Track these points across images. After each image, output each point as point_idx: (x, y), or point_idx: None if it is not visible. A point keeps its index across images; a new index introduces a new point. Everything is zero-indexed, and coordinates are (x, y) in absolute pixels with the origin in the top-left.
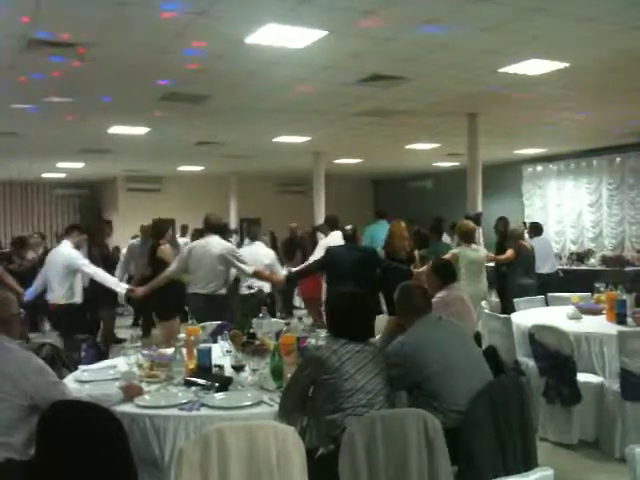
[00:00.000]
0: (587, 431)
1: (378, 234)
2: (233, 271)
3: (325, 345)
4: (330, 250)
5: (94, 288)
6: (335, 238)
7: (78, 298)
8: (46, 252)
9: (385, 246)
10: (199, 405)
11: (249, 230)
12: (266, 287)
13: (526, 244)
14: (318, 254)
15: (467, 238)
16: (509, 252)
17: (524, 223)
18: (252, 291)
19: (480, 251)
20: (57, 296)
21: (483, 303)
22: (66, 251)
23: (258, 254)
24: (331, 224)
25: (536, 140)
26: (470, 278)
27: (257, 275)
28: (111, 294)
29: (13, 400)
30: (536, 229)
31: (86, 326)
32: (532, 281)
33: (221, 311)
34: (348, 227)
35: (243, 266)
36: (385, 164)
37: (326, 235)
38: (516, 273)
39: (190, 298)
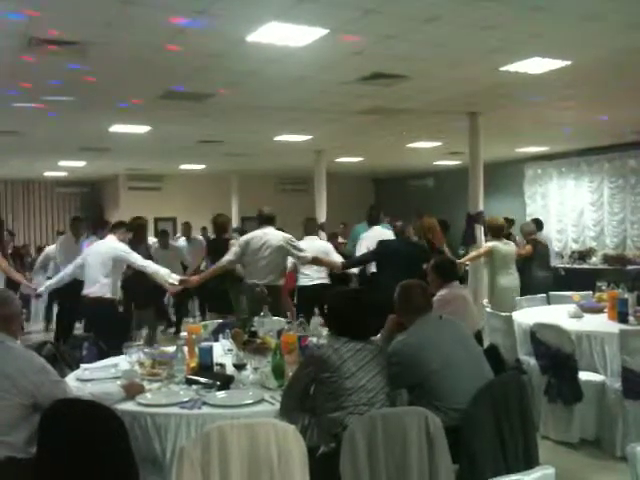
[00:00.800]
0: (588, 430)
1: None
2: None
3: (326, 344)
4: (384, 242)
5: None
6: (375, 232)
7: (118, 294)
8: (40, 250)
9: (427, 242)
10: (200, 403)
11: (306, 227)
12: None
13: (541, 239)
14: (361, 248)
15: (498, 233)
16: (527, 247)
17: (534, 220)
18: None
19: (511, 245)
20: (99, 290)
21: (484, 301)
22: (114, 244)
23: (314, 245)
24: (371, 220)
25: (538, 139)
26: (504, 270)
27: (316, 261)
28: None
29: (14, 399)
30: (537, 224)
31: (123, 325)
32: (549, 275)
33: (277, 302)
34: (399, 223)
35: (302, 253)
36: (386, 163)
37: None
38: (533, 268)
39: (247, 289)
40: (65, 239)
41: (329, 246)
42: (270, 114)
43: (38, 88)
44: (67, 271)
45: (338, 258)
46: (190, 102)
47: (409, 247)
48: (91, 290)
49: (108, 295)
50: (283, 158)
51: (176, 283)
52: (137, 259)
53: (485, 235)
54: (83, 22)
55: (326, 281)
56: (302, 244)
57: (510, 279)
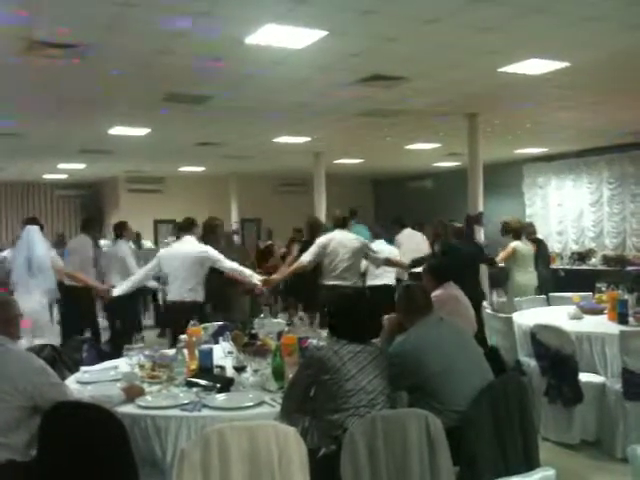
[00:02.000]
0: (589, 431)
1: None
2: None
3: (326, 345)
4: (453, 245)
5: None
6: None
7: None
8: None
9: None
10: (200, 406)
11: (374, 232)
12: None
13: (541, 239)
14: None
15: (518, 234)
16: (533, 247)
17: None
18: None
19: (529, 244)
20: (194, 295)
21: (485, 303)
22: (200, 246)
23: (382, 249)
24: (399, 222)
25: (536, 140)
26: (525, 269)
27: (388, 263)
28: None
29: (14, 401)
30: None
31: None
32: (549, 274)
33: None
34: (459, 224)
35: (376, 255)
36: (385, 164)
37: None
38: (538, 266)
39: (326, 289)
40: (81, 241)
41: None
42: (269, 116)
43: (38, 90)
44: (139, 276)
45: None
46: (190, 104)
47: (471, 247)
48: (185, 295)
49: (200, 299)
50: (282, 160)
51: (259, 283)
52: (225, 260)
53: (503, 236)
54: (83, 25)
55: (392, 282)
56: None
57: (530, 277)
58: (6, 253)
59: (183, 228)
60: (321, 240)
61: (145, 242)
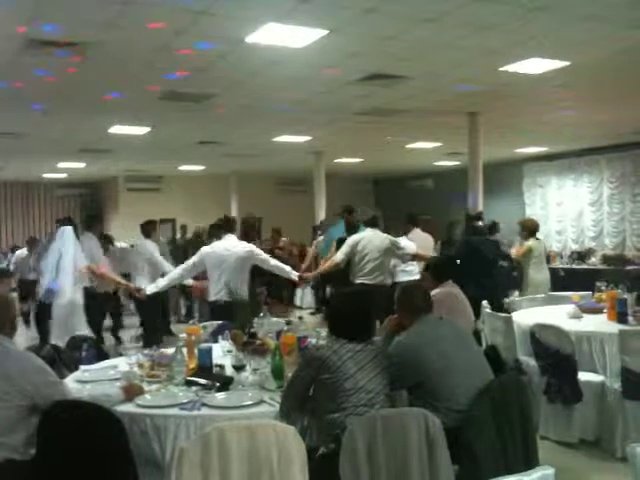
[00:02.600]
0: (588, 430)
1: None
2: None
3: (326, 344)
4: (471, 242)
5: None
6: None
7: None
8: None
9: None
10: (200, 405)
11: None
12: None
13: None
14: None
15: (533, 232)
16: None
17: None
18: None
19: (542, 243)
20: (243, 294)
21: (484, 302)
22: (245, 245)
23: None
24: (412, 220)
25: (537, 139)
26: (539, 266)
27: (415, 258)
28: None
29: (13, 400)
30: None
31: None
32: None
33: (384, 301)
34: (480, 223)
35: (403, 251)
36: (385, 163)
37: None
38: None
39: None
40: (86, 240)
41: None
42: (269, 115)
43: (37, 89)
44: (175, 275)
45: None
46: (190, 103)
47: (490, 244)
48: (217, 296)
49: (245, 298)
50: (282, 159)
51: (296, 279)
52: (269, 258)
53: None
54: (82, 23)
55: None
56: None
57: (544, 274)
58: (19, 252)
59: (224, 226)
60: (353, 238)
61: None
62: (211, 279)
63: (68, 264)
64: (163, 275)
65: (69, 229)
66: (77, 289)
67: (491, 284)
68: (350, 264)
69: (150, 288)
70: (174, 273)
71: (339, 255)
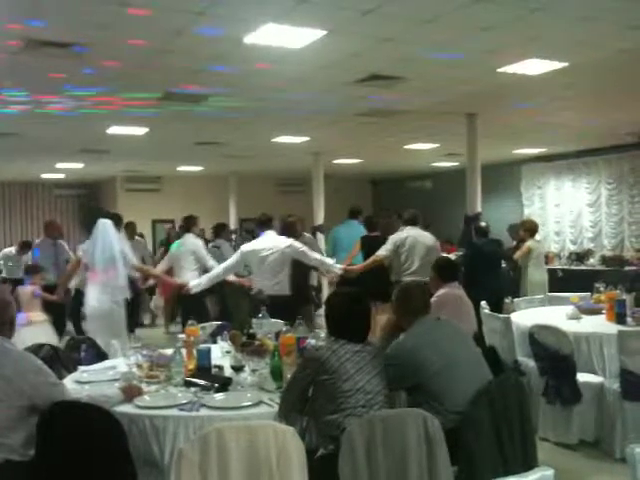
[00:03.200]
0: (587, 431)
1: (349, 236)
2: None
3: (324, 345)
4: (476, 244)
5: None
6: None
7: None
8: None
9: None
10: (199, 405)
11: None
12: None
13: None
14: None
15: (534, 233)
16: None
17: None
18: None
19: (542, 243)
20: (285, 288)
21: (483, 303)
22: (289, 241)
23: None
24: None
25: (535, 140)
26: (539, 266)
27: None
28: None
29: (11, 401)
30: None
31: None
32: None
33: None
34: (483, 223)
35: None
36: (384, 164)
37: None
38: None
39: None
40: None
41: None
42: (268, 116)
43: (35, 90)
44: (219, 271)
45: None
46: (188, 104)
47: (495, 246)
48: (277, 288)
49: (287, 293)
50: (281, 160)
51: (339, 272)
52: (309, 252)
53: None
54: (80, 24)
55: None
56: None
57: (544, 274)
58: (6, 250)
59: (263, 223)
60: (397, 237)
61: None
62: (254, 275)
63: (109, 258)
64: (206, 271)
65: (108, 222)
66: (119, 288)
67: (495, 285)
68: (393, 262)
69: (194, 285)
70: (215, 271)
71: (382, 252)
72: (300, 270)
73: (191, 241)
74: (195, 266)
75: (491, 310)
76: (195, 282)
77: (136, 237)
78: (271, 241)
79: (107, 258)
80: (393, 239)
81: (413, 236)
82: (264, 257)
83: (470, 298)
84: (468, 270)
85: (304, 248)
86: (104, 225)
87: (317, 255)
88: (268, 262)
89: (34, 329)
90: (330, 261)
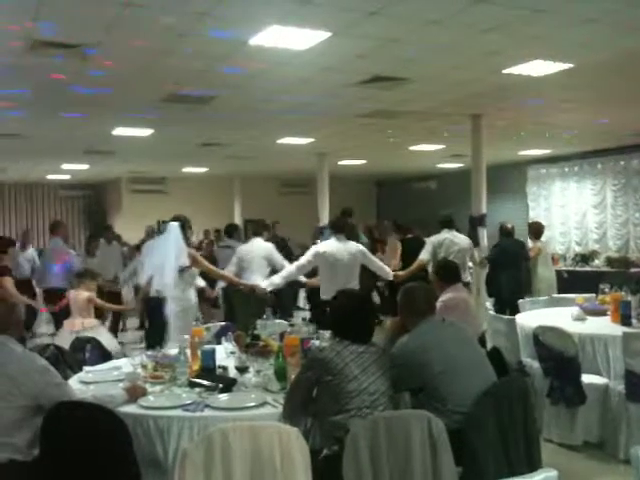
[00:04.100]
0: (591, 432)
1: None
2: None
3: (329, 346)
4: (501, 244)
5: None
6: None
7: None
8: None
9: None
10: (203, 406)
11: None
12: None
13: None
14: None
15: (540, 234)
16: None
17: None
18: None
19: (545, 244)
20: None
21: (487, 304)
22: (355, 245)
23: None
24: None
25: (540, 141)
26: (548, 266)
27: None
28: None
29: (16, 400)
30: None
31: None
32: None
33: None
34: (509, 225)
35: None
36: (389, 165)
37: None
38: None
39: None
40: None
41: None
42: (273, 117)
43: (40, 91)
44: (293, 270)
45: None
46: (193, 105)
47: (518, 246)
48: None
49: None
50: (286, 161)
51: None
52: (375, 258)
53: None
54: (85, 25)
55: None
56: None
57: (552, 272)
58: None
59: (336, 227)
60: (435, 239)
61: None
62: (323, 278)
63: (174, 261)
64: (275, 272)
65: (175, 225)
66: (186, 291)
67: (516, 284)
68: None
69: (266, 285)
70: (289, 270)
71: (424, 255)
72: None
73: (262, 245)
74: (267, 269)
75: (510, 306)
76: (266, 282)
77: (114, 242)
78: (344, 245)
79: (169, 262)
80: (431, 242)
81: (449, 238)
82: (337, 260)
83: (492, 294)
84: (492, 268)
85: (371, 254)
86: (170, 228)
87: (380, 262)
88: (341, 266)
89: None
90: (388, 268)
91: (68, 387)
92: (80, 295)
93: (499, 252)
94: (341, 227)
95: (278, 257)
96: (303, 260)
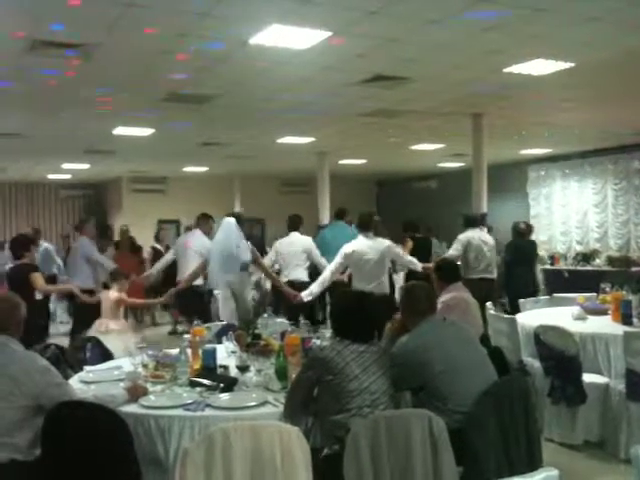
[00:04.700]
0: (592, 431)
1: (336, 239)
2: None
3: (329, 346)
4: (515, 243)
5: None
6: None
7: None
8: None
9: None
10: (204, 405)
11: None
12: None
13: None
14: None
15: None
16: None
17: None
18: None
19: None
20: (379, 287)
21: (488, 304)
22: (383, 242)
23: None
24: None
25: (541, 140)
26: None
27: None
28: None
29: (17, 401)
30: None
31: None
32: None
33: (491, 295)
34: (522, 225)
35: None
36: (389, 165)
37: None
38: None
39: (476, 283)
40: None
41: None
42: (273, 116)
43: (41, 90)
44: (326, 275)
45: None
46: (193, 105)
47: (528, 245)
48: (378, 289)
49: (387, 291)
50: (286, 160)
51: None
52: (405, 255)
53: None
54: (86, 25)
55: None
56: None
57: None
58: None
59: (364, 225)
60: (464, 237)
61: None
62: (354, 275)
63: (231, 255)
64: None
65: (232, 221)
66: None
67: (530, 281)
68: (463, 261)
69: (305, 295)
70: (324, 277)
71: (453, 252)
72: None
73: (301, 240)
74: (306, 264)
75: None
76: (306, 292)
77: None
78: (371, 242)
79: (228, 255)
80: (461, 240)
81: (477, 237)
82: (366, 259)
83: (509, 291)
84: (509, 267)
85: (398, 248)
86: (227, 223)
87: (410, 257)
88: (370, 263)
89: (109, 338)
90: (417, 263)
91: (69, 387)
92: (111, 296)
93: (514, 252)
94: (368, 225)
95: (317, 253)
96: (335, 262)
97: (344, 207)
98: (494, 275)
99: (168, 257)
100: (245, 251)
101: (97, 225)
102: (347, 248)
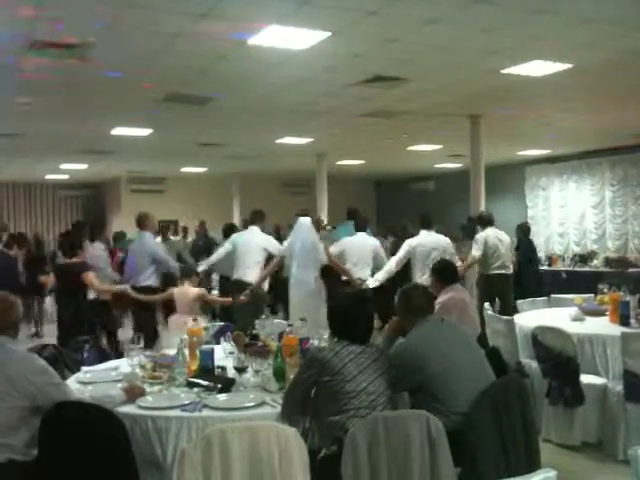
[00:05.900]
0: (590, 432)
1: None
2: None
3: (327, 347)
4: (525, 244)
5: None
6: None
7: None
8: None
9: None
10: (201, 406)
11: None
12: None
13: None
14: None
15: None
16: None
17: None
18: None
19: None
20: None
21: (486, 305)
22: (442, 237)
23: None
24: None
25: (539, 141)
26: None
27: None
28: None
29: (15, 401)
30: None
31: None
32: None
33: (508, 292)
34: (528, 225)
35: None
36: (387, 165)
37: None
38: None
39: (493, 278)
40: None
41: None
42: (272, 117)
43: (40, 90)
44: (391, 265)
45: None
46: (192, 105)
47: (533, 245)
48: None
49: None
50: (285, 161)
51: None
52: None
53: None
54: (85, 25)
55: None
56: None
57: None
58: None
59: (426, 223)
60: (482, 236)
61: None
62: (416, 268)
63: (308, 250)
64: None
65: (307, 220)
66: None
67: (540, 278)
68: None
69: (371, 282)
70: (390, 265)
71: (476, 252)
72: None
73: (367, 240)
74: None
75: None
76: (371, 280)
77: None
78: (434, 237)
79: (305, 251)
80: (479, 239)
81: (493, 235)
82: (429, 252)
83: (522, 287)
84: (523, 265)
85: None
86: (301, 222)
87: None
88: (433, 257)
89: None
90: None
91: (67, 387)
92: (189, 292)
93: (529, 251)
94: (430, 222)
95: (382, 253)
96: (400, 254)
97: (354, 207)
98: (510, 271)
99: (221, 252)
100: (322, 251)
101: (91, 225)
102: (411, 242)
